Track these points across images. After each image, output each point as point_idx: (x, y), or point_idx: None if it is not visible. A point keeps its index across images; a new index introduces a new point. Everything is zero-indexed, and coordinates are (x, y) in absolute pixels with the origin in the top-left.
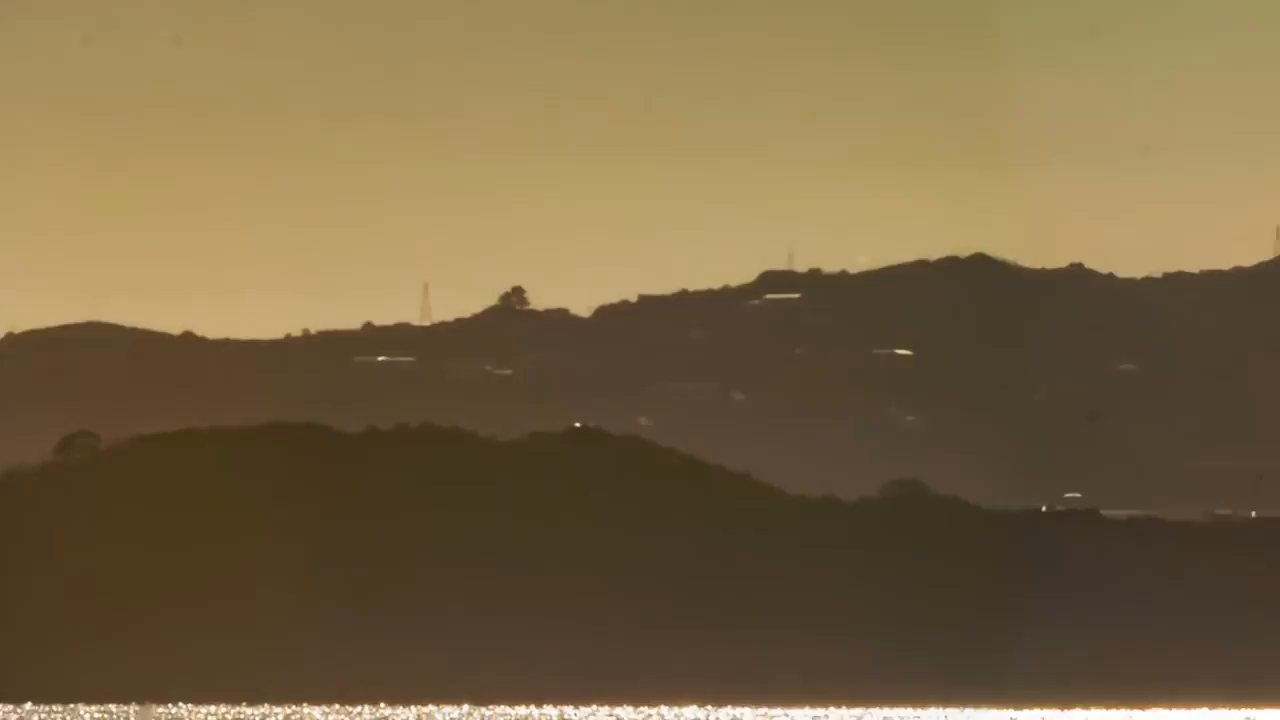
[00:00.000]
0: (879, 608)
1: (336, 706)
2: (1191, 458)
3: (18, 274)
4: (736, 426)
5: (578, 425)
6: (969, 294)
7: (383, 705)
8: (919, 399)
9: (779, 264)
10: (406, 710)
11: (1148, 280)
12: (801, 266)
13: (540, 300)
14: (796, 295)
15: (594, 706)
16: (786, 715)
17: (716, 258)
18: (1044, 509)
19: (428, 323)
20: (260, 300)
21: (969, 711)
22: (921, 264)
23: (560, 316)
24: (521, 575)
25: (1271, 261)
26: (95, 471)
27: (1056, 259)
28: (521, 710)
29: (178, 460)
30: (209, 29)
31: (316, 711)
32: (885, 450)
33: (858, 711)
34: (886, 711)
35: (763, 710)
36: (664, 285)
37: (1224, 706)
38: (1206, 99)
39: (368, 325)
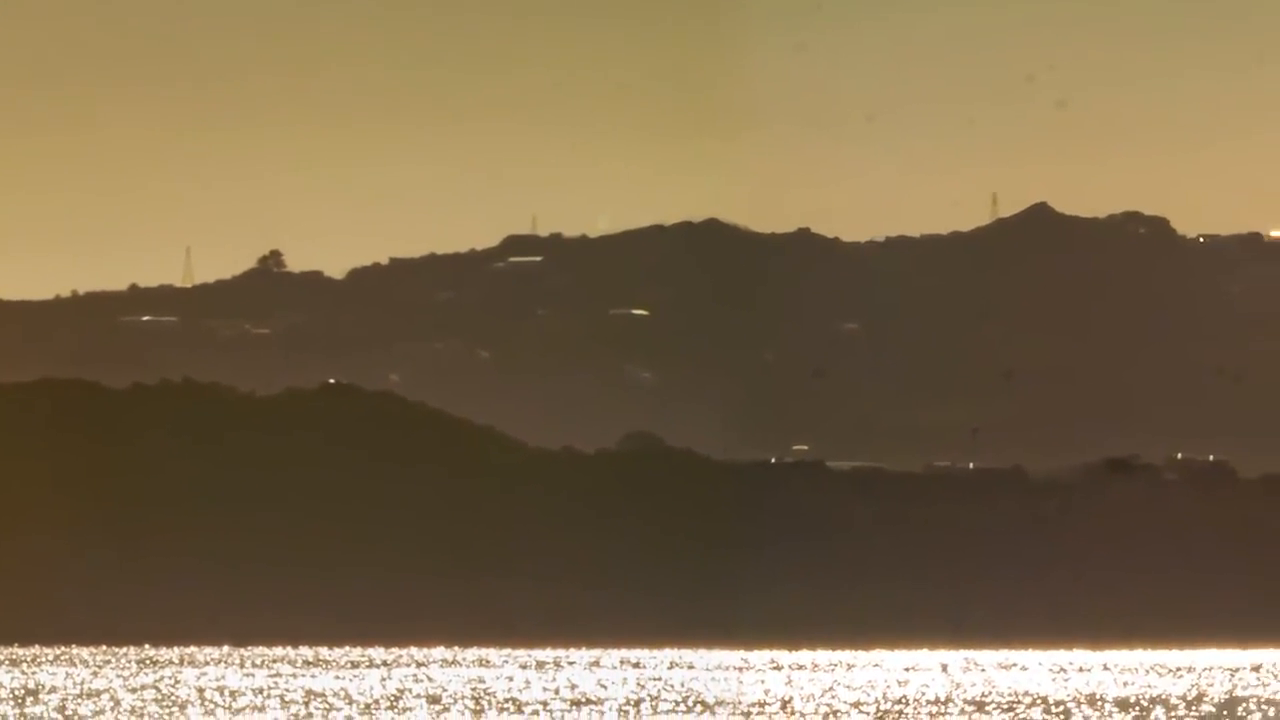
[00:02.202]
0: (616, 554)
1: (104, 648)
2: (912, 412)
3: None
4: (482, 382)
5: (332, 381)
6: (702, 257)
7: (147, 646)
8: (654, 356)
9: (522, 228)
10: (170, 651)
11: (871, 244)
12: (544, 231)
13: (296, 263)
14: (539, 258)
15: (347, 647)
16: (529, 655)
17: (463, 222)
18: (773, 460)
19: (190, 284)
20: (29, 262)
21: (701, 652)
22: (657, 228)
23: (315, 278)
24: (278, 523)
25: (987, 226)
26: None
27: (785, 223)
28: (279, 650)
29: None
30: None
31: (84, 652)
32: (622, 405)
33: (596, 652)
34: (624, 652)
35: (507, 651)
36: (413, 248)
37: (944, 648)
38: (928, 70)
39: (133, 286)
